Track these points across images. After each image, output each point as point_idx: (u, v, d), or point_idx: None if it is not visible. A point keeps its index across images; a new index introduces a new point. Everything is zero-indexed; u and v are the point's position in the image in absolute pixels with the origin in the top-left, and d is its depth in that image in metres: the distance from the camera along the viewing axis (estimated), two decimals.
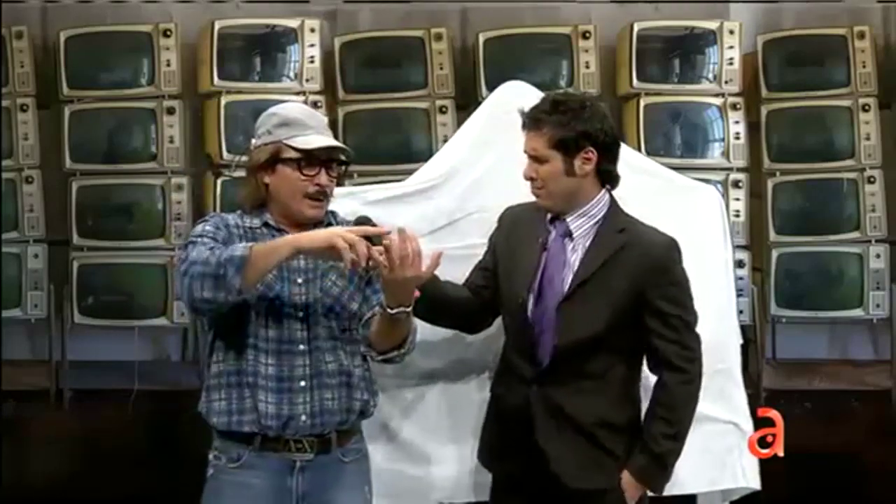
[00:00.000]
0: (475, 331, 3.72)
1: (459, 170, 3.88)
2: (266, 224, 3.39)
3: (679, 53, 6.66)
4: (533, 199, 3.57)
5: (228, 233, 3.35)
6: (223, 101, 6.39)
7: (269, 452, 3.35)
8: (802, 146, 6.63)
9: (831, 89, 6.60)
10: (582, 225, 3.53)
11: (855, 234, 6.52)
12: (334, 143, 3.42)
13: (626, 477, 3.51)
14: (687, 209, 3.90)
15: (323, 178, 3.37)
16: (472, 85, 6.56)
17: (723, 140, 6.52)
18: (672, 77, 6.65)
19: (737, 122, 6.51)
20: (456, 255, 3.64)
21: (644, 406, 3.58)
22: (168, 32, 6.45)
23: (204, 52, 6.50)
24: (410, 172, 4.01)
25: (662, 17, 6.70)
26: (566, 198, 3.52)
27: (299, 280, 3.36)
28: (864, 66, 6.55)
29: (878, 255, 6.47)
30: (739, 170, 6.50)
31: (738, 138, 6.51)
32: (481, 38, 6.56)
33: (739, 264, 6.19)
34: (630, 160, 3.75)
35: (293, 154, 3.35)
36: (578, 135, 3.46)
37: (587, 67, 6.53)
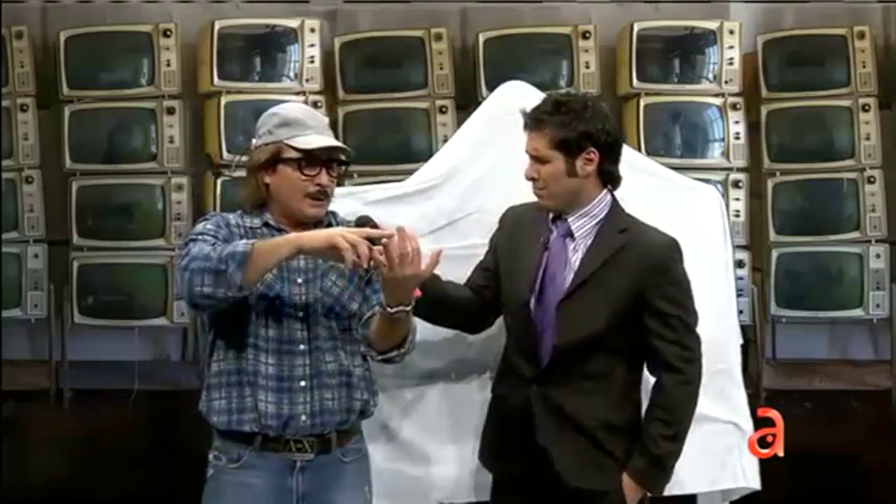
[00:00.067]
0: (476, 331, 3.73)
1: (459, 170, 3.88)
2: (266, 224, 3.40)
3: (679, 53, 6.66)
4: (533, 198, 3.57)
5: (230, 232, 3.35)
6: (223, 101, 6.39)
7: (269, 452, 3.35)
8: (802, 146, 6.63)
9: (831, 89, 6.59)
10: (583, 225, 3.53)
11: (855, 234, 6.52)
12: (335, 143, 3.42)
13: (626, 480, 3.51)
14: (687, 209, 3.90)
15: (323, 178, 3.37)
16: (472, 85, 6.56)
17: (723, 140, 6.52)
18: (672, 77, 6.65)
19: (737, 122, 6.51)
20: (456, 256, 3.63)
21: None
22: (168, 32, 6.45)
23: (204, 52, 6.50)
24: (410, 172, 4.01)
25: (662, 17, 6.70)
26: (568, 198, 3.52)
27: (299, 280, 3.36)
28: (864, 66, 6.55)
29: (878, 255, 6.47)
30: (739, 170, 6.49)
31: (738, 138, 6.51)
32: (481, 38, 6.56)
33: (739, 264, 6.19)
34: (630, 160, 3.74)
35: (294, 154, 3.35)
36: (580, 135, 3.46)
37: (587, 67, 6.53)
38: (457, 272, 3.65)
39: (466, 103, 6.34)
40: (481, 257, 3.70)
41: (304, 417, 3.34)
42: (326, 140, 3.39)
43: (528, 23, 6.75)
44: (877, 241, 6.49)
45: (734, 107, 6.51)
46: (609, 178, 3.54)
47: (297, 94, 6.39)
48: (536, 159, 3.50)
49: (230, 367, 3.35)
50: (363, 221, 3.34)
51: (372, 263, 3.18)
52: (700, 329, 3.53)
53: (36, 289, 6.37)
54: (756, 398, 5.55)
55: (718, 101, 6.54)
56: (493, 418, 3.66)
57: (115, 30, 6.56)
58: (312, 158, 3.36)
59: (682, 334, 3.50)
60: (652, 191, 3.85)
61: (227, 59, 6.48)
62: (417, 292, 3.26)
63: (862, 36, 6.57)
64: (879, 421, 6.44)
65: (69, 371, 6.42)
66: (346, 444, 3.43)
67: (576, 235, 3.53)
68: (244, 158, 3.46)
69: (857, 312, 6.52)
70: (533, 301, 3.52)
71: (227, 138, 6.35)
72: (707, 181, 4.62)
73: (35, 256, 6.37)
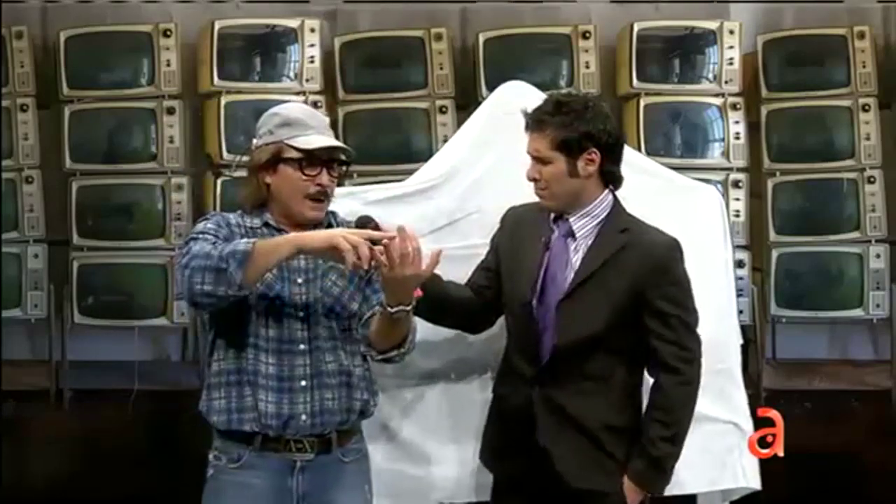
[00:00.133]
0: (477, 331, 3.72)
1: (459, 170, 3.88)
2: (266, 224, 3.40)
3: (679, 53, 6.66)
4: (534, 198, 3.57)
5: (230, 231, 3.35)
6: (223, 101, 6.39)
7: (269, 452, 3.35)
8: (802, 146, 6.63)
9: (831, 89, 6.60)
10: (585, 225, 3.53)
11: (855, 234, 6.52)
12: (336, 143, 3.42)
13: (626, 482, 3.51)
14: (687, 209, 3.90)
15: (324, 178, 3.37)
16: (472, 85, 6.56)
17: (723, 140, 6.52)
18: (672, 77, 6.65)
19: (737, 122, 6.51)
20: (456, 256, 3.63)
21: None
22: (168, 32, 6.45)
23: (204, 52, 6.50)
24: (410, 172, 4.01)
25: (662, 17, 6.70)
26: (569, 198, 3.52)
27: (299, 280, 3.36)
28: (864, 66, 6.55)
29: (878, 255, 6.47)
30: (739, 170, 6.50)
31: (738, 138, 6.51)
32: (481, 38, 6.56)
33: (739, 264, 6.19)
34: (630, 160, 3.74)
35: (294, 154, 3.35)
36: (581, 136, 3.46)
37: (587, 67, 6.53)
38: (457, 272, 3.65)
39: (466, 103, 6.34)
40: (482, 257, 3.70)
41: (304, 417, 3.34)
42: (327, 140, 3.39)
43: (528, 23, 6.76)
44: (877, 241, 6.49)
45: (734, 107, 6.51)
46: (610, 178, 3.54)
47: (297, 94, 6.39)
48: (538, 160, 3.50)
49: (230, 367, 3.35)
50: (364, 221, 3.33)
51: (373, 263, 3.18)
52: (700, 329, 3.53)
53: (36, 289, 6.37)
54: (756, 398, 5.55)
55: (718, 101, 6.54)
56: (494, 418, 3.66)
57: (115, 30, 6.56)
58: (313, 158, 3.35)
59: (681, 334, 3.49)
60: (652, 191, 3.84)
61: (227, 59, 6.48)
62: (418, 292, 3.26)
63: (862, 36, 6.57)
64: (879, 421, 6.44)
65: (69, 371, 6.42)
66: (347, 444, 3.42)
67: (577, 235, 3.53)
68: (245, 158, 3.46)
69: (857, 312, 6.52)
70: (535, 301, 3.52)
71: (227, 138, 6.35)
72: (707, 181, 4.62)
73: (35, 256, 6.37)
